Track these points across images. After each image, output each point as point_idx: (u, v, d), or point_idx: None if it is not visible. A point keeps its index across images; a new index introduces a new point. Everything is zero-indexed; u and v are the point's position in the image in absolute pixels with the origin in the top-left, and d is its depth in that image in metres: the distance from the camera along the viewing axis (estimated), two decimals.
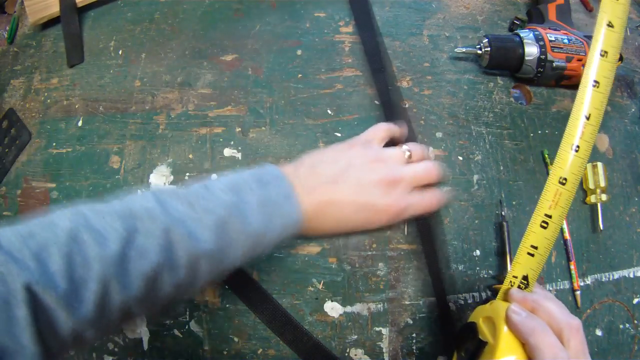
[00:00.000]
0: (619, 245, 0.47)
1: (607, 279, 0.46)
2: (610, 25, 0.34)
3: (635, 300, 0.46)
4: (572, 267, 0.44)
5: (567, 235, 0.45)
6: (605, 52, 0.34)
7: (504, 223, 0.43)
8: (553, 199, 0.33)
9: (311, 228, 0.34)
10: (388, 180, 0.35)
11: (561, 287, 0.44)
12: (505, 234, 0.43)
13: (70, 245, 0.25)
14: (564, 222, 0.45)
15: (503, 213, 0.44)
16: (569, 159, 0.33)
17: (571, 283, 0.44)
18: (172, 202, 0.29)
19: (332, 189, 0.34)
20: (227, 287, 0.42)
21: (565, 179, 0.33)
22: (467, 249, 0.44)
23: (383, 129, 0.39)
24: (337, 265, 0.43)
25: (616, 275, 0.46)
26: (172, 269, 0.27)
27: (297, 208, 0.32)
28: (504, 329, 0.29)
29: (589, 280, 0.45)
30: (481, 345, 0.31)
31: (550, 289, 0.44)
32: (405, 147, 0.38)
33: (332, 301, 0.42)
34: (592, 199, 0.46)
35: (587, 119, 0.34)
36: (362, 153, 0.36)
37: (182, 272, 0.28)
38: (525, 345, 0.28)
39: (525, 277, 0.33)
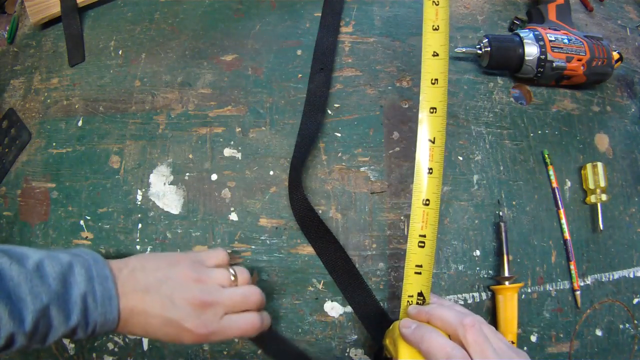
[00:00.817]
0: (619, 245, 0.47)
1: (607, 279, 0.46)
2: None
3: (635, 300, 0.46)
4: (572, 267, 0.44)
5: (567, 235, 0.45)
6: (436, 79, 0.38)
7: (502, 223, 0.43)
8: (422, 220, 0.37)
9: (121, 328, 0.34)
10: (201, 302, 0.34)
11: (561, 287, 0.44)
12: (503, 234, 0.43)
13: None
14: (564, 221, 0.45)
15: (501, 213, 0.44)
16: (423, 181, 0.37)
17: (571, 283, 0.44)
18: (4, 275, 0.29)
19: (142, 298, 0.33)
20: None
21: (428, 200, 0.37)
22: (467, 249, 0.44)
23: (221, 256, 0.38)
24: None
25: (616, 275, 0.46)
26: None
27: (115, 312, 0.32)
28: (403, 343, 0.32)
29: (589, 280, 0.45)
30: None
31: (550, 289, 0.44)
32: (232, 270, 0.37)
33: (332, 301, 0.42)
34: (592, 199, 0.46)
35: (432, 142, 0.37)
36: (185, 269, 0.35)
37: None
38: (421, 353, 0.31)
39: (420, 294, 0.36)
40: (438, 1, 0.39)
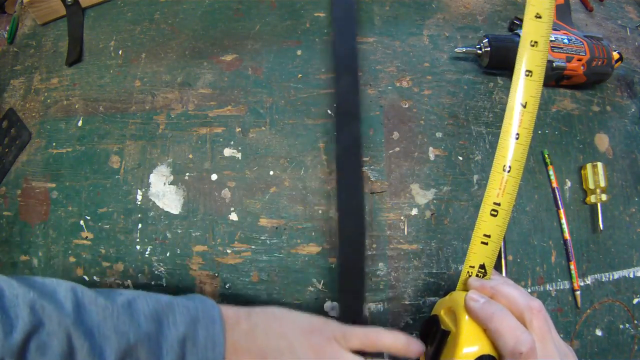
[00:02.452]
0: (619, 245, 0.47)
1: (607, 279, 0.46)
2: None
3: (635, 300, 0.46)
4: (572, 267, 0.44)
5: (567, 235, 0.45)
6: (536, 41, 0.35)
7: None
8: (500, 187, 0.34)
9: None
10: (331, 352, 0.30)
11: (561, 287, 0.44)
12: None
13: None
14: (564, 221, 0.45)
15: None
16: (510, 147, 0.34)
17: (571, 283, 0.44)
18: (89, 309, 0.27)
19: None
20: None
21: (510, 167, 0.34)
22: (467, 249, 0.44)
23: (370, 339, 0.32)
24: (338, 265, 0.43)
25: (616, 275, 0.46)
26: None
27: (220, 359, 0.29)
28: (465, 317, 0.30)
29: (589, 280, 0.45)
30: (445, 335, 0.31)
31: (550, 289, 0.44)
32: None
33: (332, 301, 0.42)
34: (592, 199, 0.46)
35: (524, 106, 0.34)
36: (314, 346, 0.31)
37: None
38: (487, 331, 0.28)
39: (482, 266, 0.34)
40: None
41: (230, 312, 0.31)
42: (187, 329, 0.28)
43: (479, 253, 0.34)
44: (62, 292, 0.28)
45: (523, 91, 0.34)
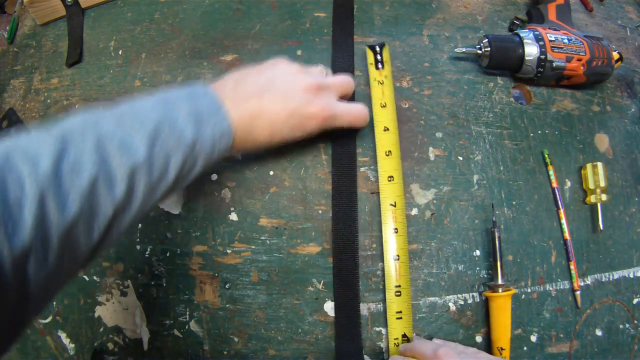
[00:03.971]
0: (619, 245, 0.47)
1: (607, 279, 0.46)
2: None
3: (635, 300, 0.46)
4: (572, 267, 0.44)
5: (567, 235, 0.45)
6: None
7: (494, 230, 0.42)
8: (396, 273, 0.41)
9: (244, 141, 0.34)
10: (315, 86, 0.36)
11: (561, 287, 0.44)
12: (496, 241, 0.42)
13: (2, 167, 0.24)
14: (564, 221, 0.45)
15: (494, 219, 0.43)
16: (390, 241, 0.42)
17: (571, 283, 0.44)
18: (101, 119, 0.28)
19: (260, 100, 0.34)
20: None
21: (398, 255, 0.41)
22: (467, 249, 0.44)
23: (319, 70, 0.40)
24: None
25: (616, 275, 0.46)
26: (109, 182, 0.26)
27: (227, 119, 0.32)
28: None
29: (589, 280, 0.45)
30: None
31: (550, 289, 0.44)
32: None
33: (332, 301, 0.42)
34: (592, 199, 0.46)
35: (394, 206, 0.42)
36: (286, 67, 0.37)
37: (119, 188, 0.27)
38: None
39: (404, 335, 0.40)
40: (382, 80, 0.45)
41: (213, 85, 0.34)
42: (190, 103, 0.31)
43: (397, 327, 0.40)
44: (68, 120, 0.28)
45: (389, 193, 0.43)
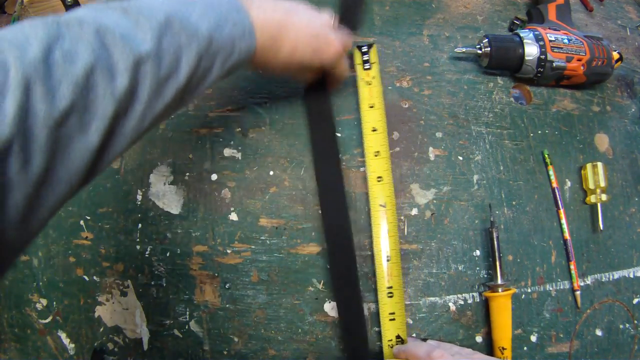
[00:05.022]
0: (619, 245, 0.47)
1: (607, 279, 0.46)
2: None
3: (635, 300, 0.46)
4: (572, 267, 0.44)
5: (567, 235, 0.45)
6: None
7: (493, 230, 0.42)
8: (388, 274, 0.41)
9: (266, 53, 0.34)
10: (331, 23, 0.39)
11: (561, 287, 0.44)
12: (495, 241, 0.42)
13: None
14: (564, 221, 0.45)
15: (492, 219, 0.43)
16: (382, 242, 0.42)
17: (571, 283, 0.44)
18: (104, 10, 0.26)
19: (287, 14, 0.35)
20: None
21: (389, 256, 0.41)
22: (467, 249, 0.44)
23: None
24: None
25: (616, 275, 0.46)
26: (108, 73, 0.24)
27: (248, 18, 0.31)
28: None
29: (589, 280, 0.45)
30: None
31: (550, 289, 0.44)
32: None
33: (332, 301, 0.42)
34: (592, 199, 0.46)
35: (384, 206, 0.42)
36: (304, 5, 0.38)
37: (121, 80, 0.24)
38: None
39: (398, 336, 0.40)
40: (370, 81, 0.45)
41: None
42: (205, 2, 0.29)
43: (391, 328, 0.40)
44: (68, 14, 0.26)
45: (379, 193, 0.43)
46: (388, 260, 0.41)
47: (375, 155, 0.43)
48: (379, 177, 0.42)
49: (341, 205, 0.43)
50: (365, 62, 0.46)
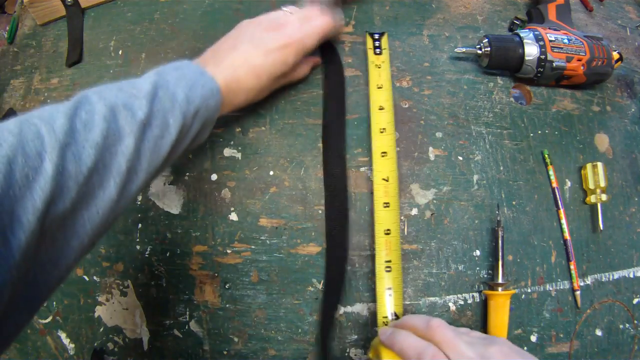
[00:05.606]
0: (619, 245, 0.47)
1: (607, 279, 0.46)
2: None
3: (635, 300, 0.46)
4: (572, 267, 0.44)
5: (567, 235, 0.45)
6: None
7: (499, 229, 0.42)
8: (386, 248, 0.41)
9: (236, 94, 0.39)
10: (275, 24, 0.41)
11: (561, 287, 0.44)
12: (500, 240, 0.42)
13: (21, 125, 0.26)
14: (564, 221, 0.45)
15: (498, 218, 0.43)
16: (381, 214, 0.41)
17: (571, 283, 0.44)
18: (102, 89, 0.31)
19: (235, 52, 0.39)
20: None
21: (389, 229, 0.41)
22: (467, 249, 0.44)
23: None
24: None
25: (616, 275, 0.46)
26: (118, 137, 0.29)
27: (212, 79, 0.36)
28: (382, 349, 0.35)
29: (589, 280, 0.45)
30: None
31: (550, 289, 0.44)
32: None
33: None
34: (592, 199, 0.46)
35: (387, 180, 0.42)
36: (247, 21, 0.42)
37: (128, 142, 0.29)
38: (397, 354, 0.33)
39: (393, 313, 0.39)
40: (380, 65, 0.46)
41: (194, 60, 0.39)
42: (177, 72, 0.35)
43: (386, 305, 0.40)
44: (69, 102, 0.30)
45: (381, 168, 0.43)
46: (387, 234, 0.41)
47: (382, 156, 0.43)
48: (384, 178, 0.42)
49: (343, 206, 0.44)
50: (376, 47, 0.47)
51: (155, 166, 0.32)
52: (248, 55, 0.39)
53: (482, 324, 0.43)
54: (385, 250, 0.40)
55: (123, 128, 0.29)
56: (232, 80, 0.38)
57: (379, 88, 0.45)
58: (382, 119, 0.44)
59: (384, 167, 0.43)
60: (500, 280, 0.41)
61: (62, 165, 0.25)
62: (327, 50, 0.48)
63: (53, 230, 0.26)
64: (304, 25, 0.41)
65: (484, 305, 0.43)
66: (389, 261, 0.40)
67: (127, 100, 0.31)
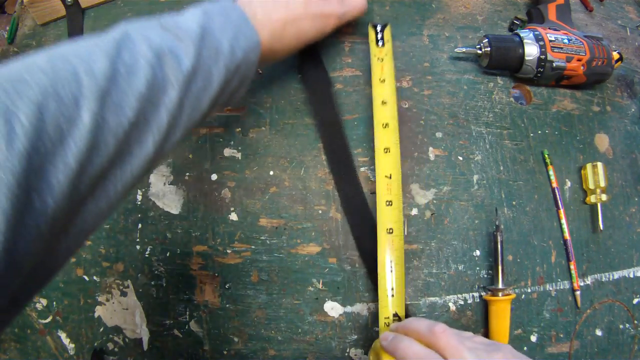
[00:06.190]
0: (619, 245, 0.47)
1: (607, 279, 0.46)
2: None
3: (635, 300, 0.46)
4: (572, 267, 0.44)
5: (567, 235, 0.45)
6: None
7: (497, 234, 0.42)
8: (390, 246, 0.39)
9: (274, 49, 0.37)
10: None
11: (561, 287, 0.44)
12: (499, 245, 0.42)
13: (54, 62, 0.22)
14: (564, 221, 0.45)
15: (497, 222, 0.43)
16: (384, 212, 0.40)
17: (571, 283, 0.44)
18: (144, 26, 0.28)
19: (286, 10, 0.37)
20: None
21: (391, 229, 0.40)
22: (467, 249, 0.44)
23: None
24: (337, 265, 0.43)
25: (616, 275, 0.46)
26: (163, 86, 0.26)
27: (255, 32, 0.34)
28: (383, 355, 0.34)
29: (589, 280, 0.45)
30: None
31: (550, 289, 0.44)
32: None
33: (332, 301, 0.42)
34: (592, 199, 0.46)
35: (389, 178, 0.41)
36: None
37: (173, 93, 0.26)
38: None
39: (395, 314, 0.38)
40: (383, 57, 0.45)
41: (240, 1, 0.35)
42: (222, 19, 0.32)
43: (389, 305, 0.39)
44: (108, 35, 0.26)
45: (385, 165, 0.42)
46: (390, 233, 0.40)
47: (385, 152, 0.42)
48: (387, 175, 0.41)
49: (363, 204, 0.44)
50: (378, 40, 0.47)
51: (193, 123, 0.29)
52: (297, 16, 0.38)
53: (482, 324, 0.43)
54: (388, 249, 0.39)
55: (168, 78, 0.26)
56: (276, 38, 0.36)
57: (381, 82, 0.44)
58: (385, 114, 0.43)
59: (386, 164, 0.41)
60: (500, 286, 0.41)
61: (101, 116, 0.21)
62: (307, 55, 0.46)
63: (84, 193, 0.22)
64: (345, 1, 0.42)
65: (484, 305, 0.43)
66: (392, 261, 0.39)
67: (172, 44, 0.27)
